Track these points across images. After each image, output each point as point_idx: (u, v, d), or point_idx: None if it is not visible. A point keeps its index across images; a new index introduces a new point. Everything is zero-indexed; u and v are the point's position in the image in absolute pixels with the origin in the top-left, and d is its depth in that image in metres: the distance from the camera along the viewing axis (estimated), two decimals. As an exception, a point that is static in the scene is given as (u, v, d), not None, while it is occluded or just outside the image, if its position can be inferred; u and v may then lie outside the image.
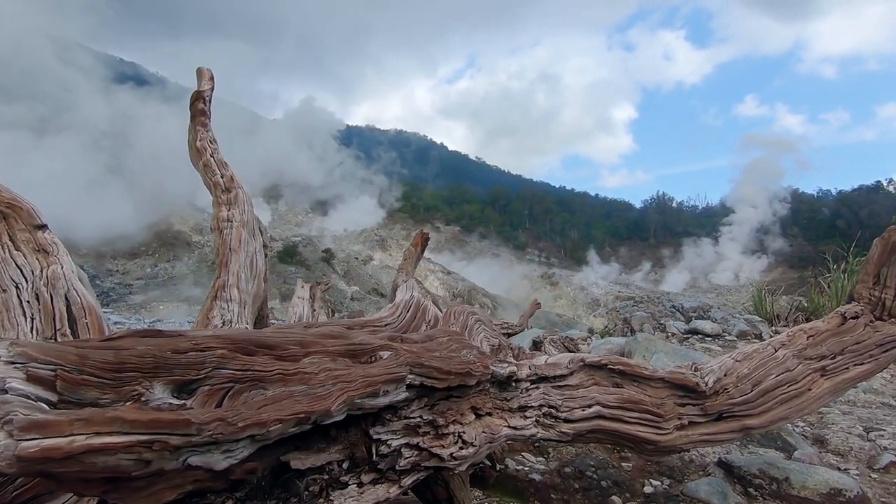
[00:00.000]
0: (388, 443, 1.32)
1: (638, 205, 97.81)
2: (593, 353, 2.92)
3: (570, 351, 3.25)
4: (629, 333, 3.54)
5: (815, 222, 73.23)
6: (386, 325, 2.40)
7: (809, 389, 2.11)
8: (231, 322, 2.49)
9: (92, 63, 55.29)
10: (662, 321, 3.57)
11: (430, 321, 2.65)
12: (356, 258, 50.11)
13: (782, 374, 2.09)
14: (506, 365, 1.82)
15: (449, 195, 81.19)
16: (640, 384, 1.97)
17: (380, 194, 70.51)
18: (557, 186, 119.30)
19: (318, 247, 45.91)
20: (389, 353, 1.38)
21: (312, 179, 66.26)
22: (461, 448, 1.51)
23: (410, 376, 1.35)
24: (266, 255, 3.28)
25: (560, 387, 1.90)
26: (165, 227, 37.75)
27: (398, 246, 60.31)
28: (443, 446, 1.45)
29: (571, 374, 1.94)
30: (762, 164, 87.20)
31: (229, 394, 0.99)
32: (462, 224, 71.60)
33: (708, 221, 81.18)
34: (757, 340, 3.50)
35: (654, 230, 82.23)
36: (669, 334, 3.38)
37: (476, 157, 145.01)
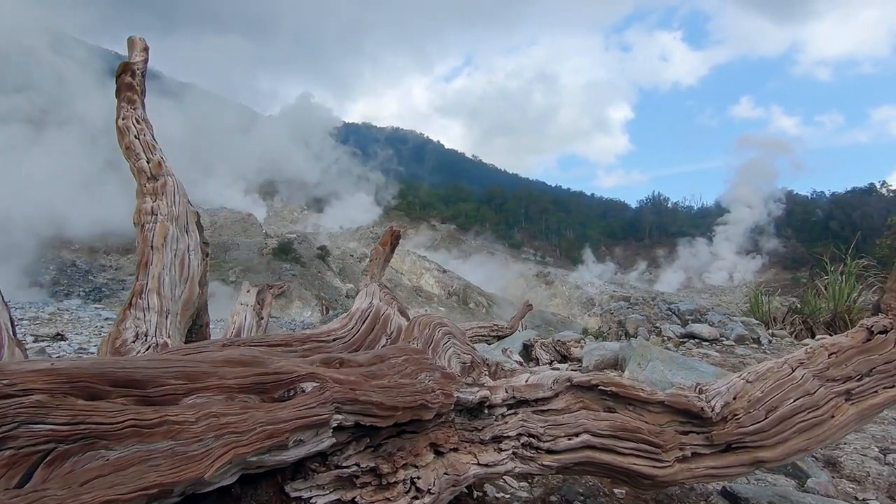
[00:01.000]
0: (312, 502, 1.02)
1: (633, 205, 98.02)
2: (586, 357, 2.63)
3: (561, 355, 2.98)
4: (624, 337, 3.26)
5: (809, 224, 73.48)
6: (334, 341, 2.06)
7: (832, 416, 1.80)
8: (147, 335, 2.13)
9: (86, 57, 54.71)
10: (658, 324, 3.30)
11: (391, 333, 2.30)
12: (351, 255, 49.77)
13: (801, 398, 1.79)
14: (476, 389, 1.56)
15: (445, 193, 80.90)
16: (636, 408, 1.71)
17: (376, 192, 70.18)
18: (553, 186, 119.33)
19: (313, 244, 45.54)
20: (314, 385, 1.06)
21: (308, 176, 65.89)
22: (415, 498, 1.21)
23: (339, 416, 1.04)
24: (206, 255, 2.85)
25: (543, 411, 1.66)
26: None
27: (393, 244, 60.02)
28: (388, 500, 1.14)
29: (556, 396, 1.69)
30: (757, 165, 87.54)
31: (46, 460, 0.68)
32: (458, 222, 71.34)
33: (703, 222, 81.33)
34: (755, 345, 3.24)
35: (650, 230, 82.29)
36: (665, 338, 3.11)
37: (472, 156, 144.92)
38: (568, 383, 1.71)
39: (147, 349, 2.09)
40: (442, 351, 1.80)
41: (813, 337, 4.77)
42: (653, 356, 2.17)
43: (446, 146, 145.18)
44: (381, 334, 2.27)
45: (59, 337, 10.50)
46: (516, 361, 2.78)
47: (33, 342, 9.91)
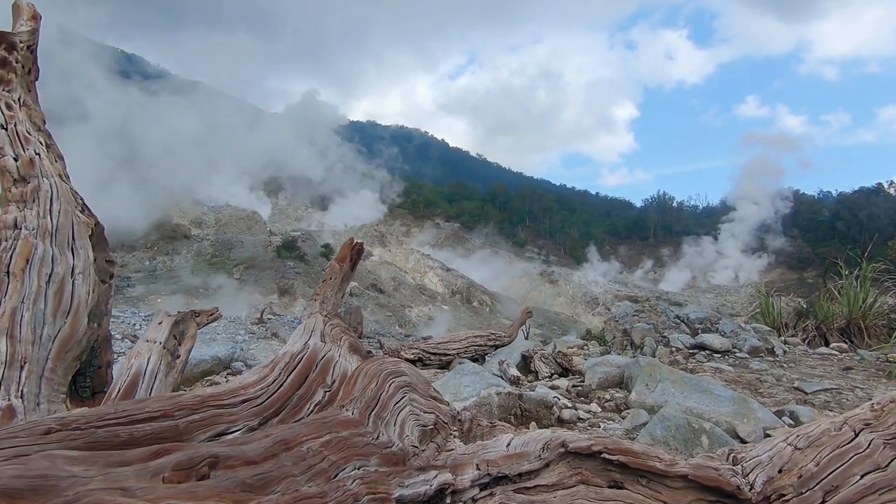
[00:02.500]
0: None
1: (638, 204, 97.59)
2: (588, 374, 2.53)
3: (563, 367, 2.93)
4: (629, 346, 3.24)
5: (815, 223, 72.94)
6: (243, 403, 1.45)
7: (915, 501, 1.28)
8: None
9: (93, 54, 54.86)
10: (665, 334, 3.26)
11: (333, 383, 1.74)
12: (355, 254, 49.81)
13: (870, 473, 1.31)
14: (434, 473, 1.19)
15: (449, 191, 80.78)
16: (650, 483, 1.32)
17: (381, 189, 70.12)
18: (557, 184, 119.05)
19: (317, 242, 45.61)
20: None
21: (313, 174, 65.92)
22: None
23: None
24: (110, 276, 2.28)
25: (528, 489, 1.28)
26: (164, 220, 37.49)
27: (397, 242, 60.00)
28: None
29: (546, 466, 1.32)
30: (763, 162, 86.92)
31: None
32: (462, 221, 71.24)
33: (708, 221, 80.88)
34: (770, 357, 3.21)
35: (654, 229, 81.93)
36: (674, 349, 3.07)
37: (476, 154, 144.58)
38: (561, 450, 1.33)
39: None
40: (392, 413, 1.41)
41: (827, 344, 4.75)
42: (662, 376, 2.11)
43: (450, 144, 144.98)
44: (318, 386, 1.70)
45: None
46: (513, 376, 2.72)
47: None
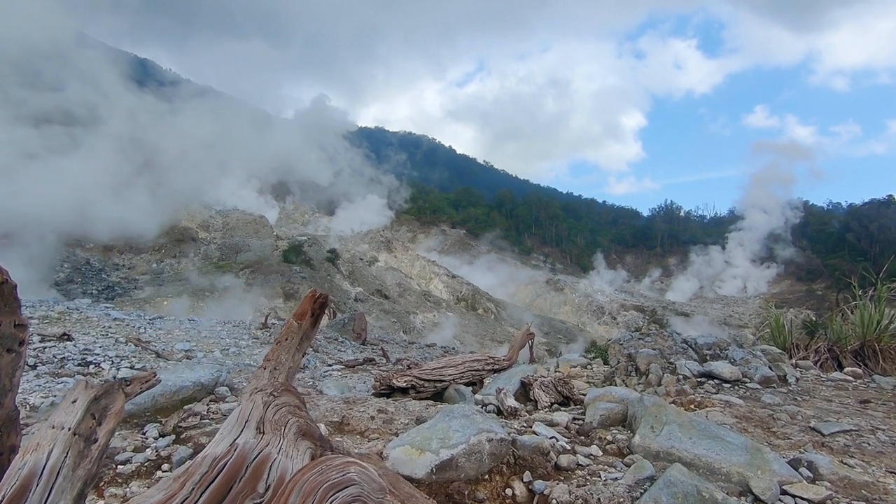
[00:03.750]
0: None
1: (645, 213, 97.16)
2: (590, 410, 2.32)
3: (564, 397, 2.77)
4: (633, 373, 3.08)
5: (825, 235, 72.16)
6: None
7: None
8: None
9: (108, 60, 55.56)
10: (672, 360, 3.10)
11: (266, 492, 1.36)
12: (361, 259, 49.80)
13: None
14: None
15: (455, 198, 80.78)
16: None
17: (388, 195, 70.24)
18: (564, 192, 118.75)
19: (323, 246, 45.65)
20: None
21: (320, 179, 66.18)
22: None
23: None
24: (21, 343, 1.78)
25: None
26: (172, 222, 37.74)
27: (403, 248, 59.95)
28: None
29: None
30: (773, 170, 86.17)
31: None
32: (468, 227, 71.13)
33: (715, 231, 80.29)
34: (783, 387, 3.06)
35: (661, 239, 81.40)
36: (681, 376, 2.91)
37: (483, 161, 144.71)
38: None
39: None
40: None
41: (840, 367, 4.58)
42: (668, 418, 1.94)
43: (458, 151, 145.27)
44: (245, 499, 1.32)
45: (66, 337, 10.59)
46: (510, 407, 2.55)
47: (39, 342, 9.99)
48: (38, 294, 23.50)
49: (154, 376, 1.79)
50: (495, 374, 3.06)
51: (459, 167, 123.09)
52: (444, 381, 2.63)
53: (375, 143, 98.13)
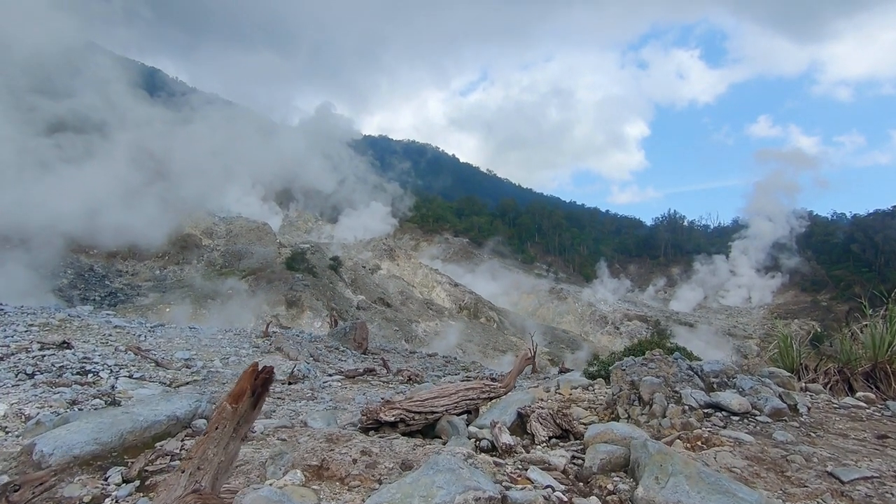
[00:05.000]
0: None
1: (648, 222, 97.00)
2: (589, 453, 2.11)
3: (563, 430, 2.61)
4: (636, 402, 2.92)
5: (830, 245, 71.75)
6: None
7: None
8: None
9: (116, 68, 56.12)
10: (677, 388, 2.94)
11: None
12: (364, 267, 49.72)
13: None
14: None
15: (458, 206, 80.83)
16: None
17: (392, 203, 70.32)
18: (567, 201, 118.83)
19: (325, 254, 45.62)
20: None
21: (324, 186, 66.33)
22: None
23: None
24: None
25: None
26: (176, 229, 37.80)
27: (406, 256, 59.86)
28: None
29: None
30: (779, 177, 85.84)
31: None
32: (471, 236, 71.07)
33: (719, 240, 79.97)
34: (794, 420, 2.90)
35: (665, 248, 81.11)
36: (686, 407, 2.75)
37: (487, 170, 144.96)
38: None
39: None
40: None
41: (851, 390, 4.42)
42: (675, 468, 1.78)
43: (461, 159, 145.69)
44: None
45: (66, 345, 10.48)
46: (504, 444, 2.32)
47: (39, 350, 9.88)
48: (40, 300, 23.49)
49: (50, 477, 1.52)
50: (492, 401, 2.90)
51: (463, 176, 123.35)
52: (437, 412, 2.48)
53: (379, 151, 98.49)
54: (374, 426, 2.33)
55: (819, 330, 48.54)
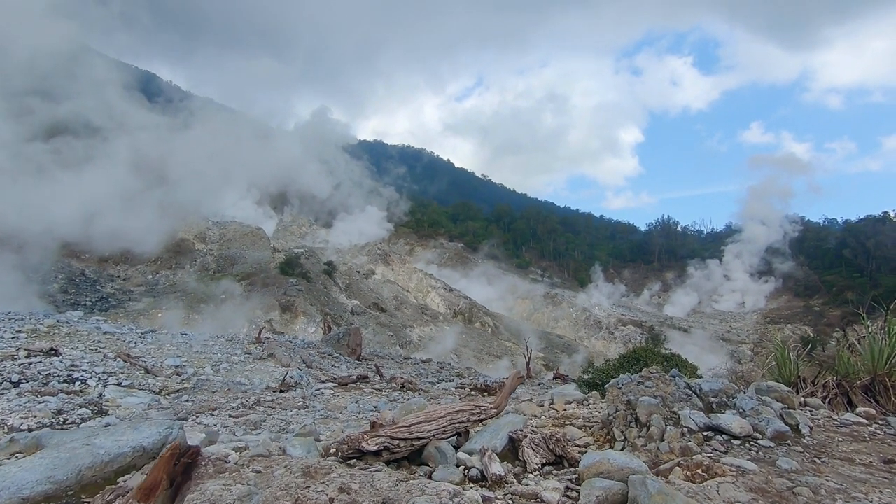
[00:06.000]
0: None
1: (643, 227, 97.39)
2: (584, 490, 1.90)
3: (557, 456, 2.47)
4: (633, 424, 2.80)
5: (822, 251, 72.29)
6: None
7: None
8: None
9: (111, 72, 55.73)
10: (675, 409, 2.82)
11: None
12: (358, 271, 49.49)
13: None
14: None
15: (454, 211, 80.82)
16: None
17: (387, 208, 70.20)
18: (562, 206, 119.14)
19: (320, 259, 45.37)
20: None
21: (319, 191, 66.11)
22: None
23: None
24: None
25: None
26: (169, 234, 37.41)
27: (401, 261, 59.69)
28: None
29: None
30: (772, 182, 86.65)
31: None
32: (466, 241, 71.00)
33: (712, 246, 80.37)
34: (798, 443, 2.78)
35: (659, 253, 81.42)
36: (685, 430, 2.62)
37: (482, 175, 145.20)
38: None
39: None
40: None
41: (850, 403, 4.33)
42: None
43: (456, 165, 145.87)
44: None
45: (53, 352, 10.22)
46: (494, 475, 2.19)
47: (25, 357, 9.63)
48: (30, 305, 23.12)
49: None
50: (483, 423, 2.75)
51: (458, 181, 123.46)
52: (424, 438, 2.34)
53: (375, 155, 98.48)
54: (355, 455, 2.19)
55: (812, 335, 48.85)
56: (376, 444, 2.15)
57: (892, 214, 73.11)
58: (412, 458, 2.33)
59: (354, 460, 2.16)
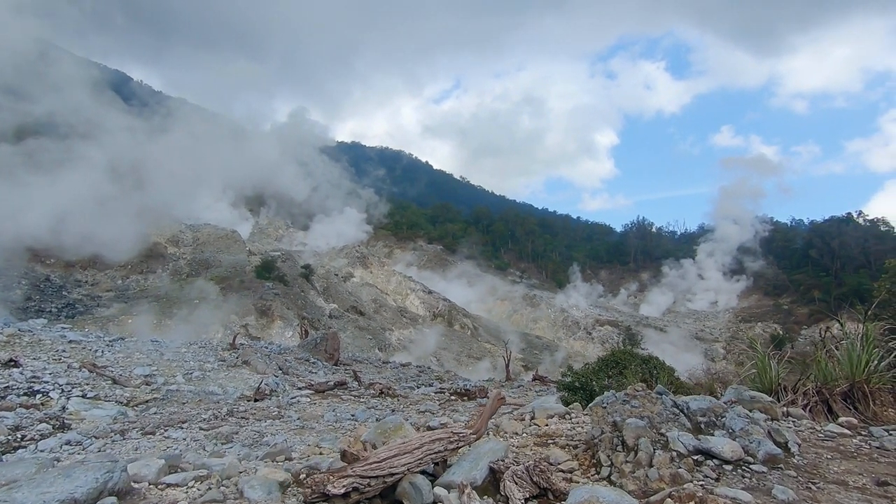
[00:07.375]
0: None
1: (619, 229, 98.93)
2: None
3: (541, 489, 2.29)
4: (620, 448, 2.65)
5: (790, 251, 74.57)
6: None
7: None
8: None
9: (79, 70, 53.80)
10: (663, 430, 2.69)
11: None
12: (336, 274, 48.82)
13: None
14: None
15: (432, 213, 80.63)
16: None
17: (366, 210, 69.61)
18: (540, 208, 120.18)
19: (297, 262, 44.58)
20: None
21: (296, 192, 65.11)
22: None
23: None
24: None
25: None
26: (141, 237, 36.15)
27: (379, 263, 59.18)
28: None
29: None
30: (743, 182, 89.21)
31: None
32: (444, 243, 70.90)
33: (686, 246, 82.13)
34: (791, 466, 2.68)
35: (635, 254, 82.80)
36: (674, 454, 2.48)
37: (460, 177, 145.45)
38: None
39: None
40: None
41: (831, 411, 4.31)
42: None
43: (435, 167, 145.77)
44: None
45: (12, 363, 9.66)
46: None
47: (-18, 369, 9.04)
48: (-11, 314, 22.00)
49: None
50: (458, 450, 2.54)
51: (437, 183, 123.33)
52: (397, 473, 2.15)
53: (353, 157, 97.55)
54: (321, 499, 1.98)
55: (781, 333, 50.30)
56: (343, 487, 1.93)
57: (855, 215, 75.90)
58: (385, 494, 2.12)
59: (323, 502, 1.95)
